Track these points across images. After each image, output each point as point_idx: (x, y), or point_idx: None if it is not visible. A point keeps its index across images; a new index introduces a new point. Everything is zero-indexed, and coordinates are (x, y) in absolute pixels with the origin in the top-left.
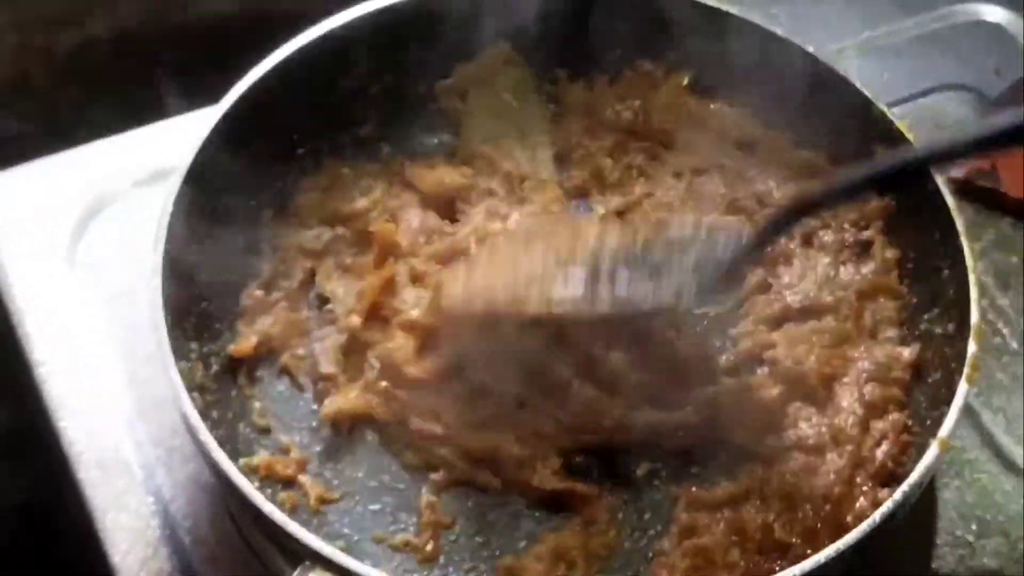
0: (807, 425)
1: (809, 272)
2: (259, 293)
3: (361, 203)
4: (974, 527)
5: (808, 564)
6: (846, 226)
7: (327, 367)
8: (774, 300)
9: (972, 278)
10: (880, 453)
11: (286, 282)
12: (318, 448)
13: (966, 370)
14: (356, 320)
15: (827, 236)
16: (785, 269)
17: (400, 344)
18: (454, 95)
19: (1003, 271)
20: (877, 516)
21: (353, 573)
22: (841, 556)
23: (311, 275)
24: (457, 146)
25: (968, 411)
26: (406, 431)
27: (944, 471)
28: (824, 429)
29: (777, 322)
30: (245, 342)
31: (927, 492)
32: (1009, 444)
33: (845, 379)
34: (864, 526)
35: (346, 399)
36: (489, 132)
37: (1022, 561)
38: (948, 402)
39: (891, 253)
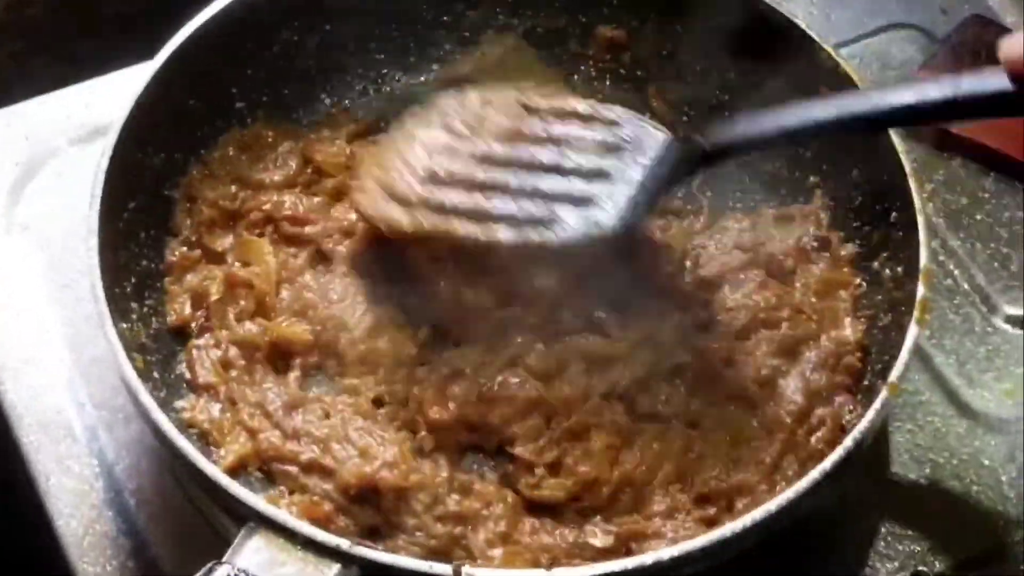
0: (740, 417)
1: (757, 286)
2: (183, 249)
3: (271, 177)
4: (927, 471)
5: (758, 513)
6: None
7: (205, 376)
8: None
9: (921, 220)
10: (814, 439)
11: (209, 239)
12: None
13: (916, 313)
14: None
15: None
16: (732, 288)
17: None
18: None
19: (954, 212)
20: (828, 463)
21: (297, 533)
22: (792, 503)
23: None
24: None
25: (920, 353)
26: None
27: (896, 414)
28: (756, 423)
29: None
30: (179, 309)
31: (879, 436)
32: (962, 386)
33: (790, 375)
34: (815, 473)
35: (236, 454)
36: None
37: (975, 504)
38: (898, 345)
39: (846, 250)
